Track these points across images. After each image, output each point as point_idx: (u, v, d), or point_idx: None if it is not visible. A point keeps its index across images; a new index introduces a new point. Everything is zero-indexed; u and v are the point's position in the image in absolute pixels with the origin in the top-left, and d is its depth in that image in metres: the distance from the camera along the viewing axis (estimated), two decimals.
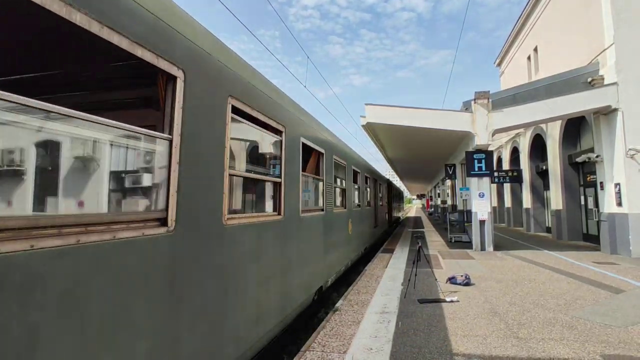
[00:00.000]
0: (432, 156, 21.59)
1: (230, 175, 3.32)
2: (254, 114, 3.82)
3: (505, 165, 24.08)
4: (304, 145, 5.53)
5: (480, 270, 9.22)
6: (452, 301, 6.41)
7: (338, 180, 8.34)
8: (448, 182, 26.49)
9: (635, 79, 11.30)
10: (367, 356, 4.16)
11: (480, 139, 12.56)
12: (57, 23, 1.76)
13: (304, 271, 5.46)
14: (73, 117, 1.80)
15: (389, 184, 22.50)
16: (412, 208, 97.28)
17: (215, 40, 3.27)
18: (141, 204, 2.54)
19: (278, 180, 4.57)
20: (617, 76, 11.53)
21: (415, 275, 7.82)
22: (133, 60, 2.22)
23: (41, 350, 1.62)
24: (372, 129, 14.61)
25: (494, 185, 23.52)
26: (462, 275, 7.82)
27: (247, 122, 3.74)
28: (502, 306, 6.10)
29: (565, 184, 15.78)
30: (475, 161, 12.95)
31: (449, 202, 27.43)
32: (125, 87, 3.35)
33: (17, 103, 1.54)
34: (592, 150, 12.83)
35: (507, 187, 24.68)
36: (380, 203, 17.00)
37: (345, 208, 8.69)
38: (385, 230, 20.05)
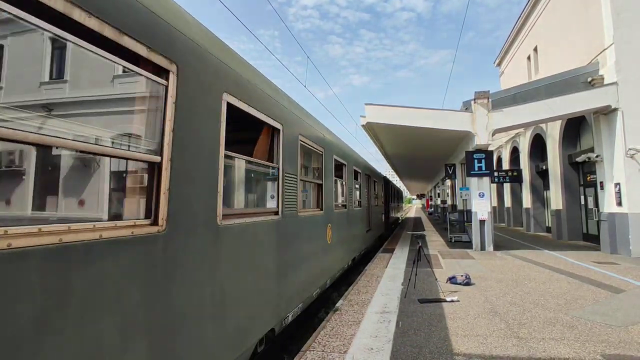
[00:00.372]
0: (432, 156, 21.59)
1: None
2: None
3: (505, 165, 24.08)
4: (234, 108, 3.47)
5: (481, 270, 9.22)
6: (452, 301, 6.41)
7: (309, 172, 6.46)
8: (448, 182, 26.50)
9: (635, 79, 11.30)
10: (368, 356, 4.15)
11: (480, 139, 12.56)
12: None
13: (235, 313, 3.27)
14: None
15: (386, 181, 20.39)
16: (412, 208, 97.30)
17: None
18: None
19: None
20: (617, 76, 11.53)
21: (416, 275, 7.82)
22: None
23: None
24: (372, 129, 14.60)
25: (494, 185, 23.53)
26: (462, 275, 7.82)
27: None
28: (503, 306, 6.10)
29: (565, 183, 15.78)
30: (475, 161, 12.95)
31: (449, 201, 27.42)
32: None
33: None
34: (592, 150, 12.83)
35: (507, 187, 24.68)
36: (375, 203, 14.89)
37: (321, 210, 6.50)
38: (382, 234, 17.51)
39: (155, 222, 2.36)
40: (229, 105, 3.33)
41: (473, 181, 13.18)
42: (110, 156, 2.19)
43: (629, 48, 11.47)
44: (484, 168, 12.91)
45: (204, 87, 2.90)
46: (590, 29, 13.18)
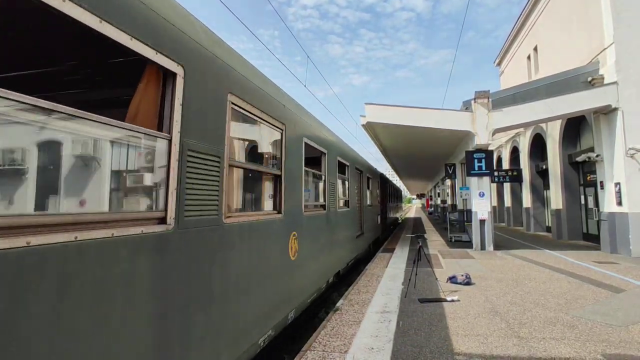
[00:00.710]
0: (432, 156, 21.58)
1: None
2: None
3: (505, 165, 24.08)
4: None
5: (481, 270, 9.22)
6: (452, 300, 6.41)
7: (256, 155, 4.45)
8: (448, 182, 26.49)
9: (636, 79, 11.30)
10: (368, 355, 4.15)
11: (480, 139, 12.55)
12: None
13: None
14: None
15: (383, 179, 18.54)
16: (412, 208, 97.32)
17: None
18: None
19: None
20: (617, 75, 11.53)
21: (416, 274, 7.82)
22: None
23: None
24: (372, 129, 14.59)
25: (494, 185, 23.52)
26: (462, 275, 7.82)
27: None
28: (503, 305, 6.10)
29: (565, 183, 15.78)
30: (475, 160, 12.95)
31: (449, 201, 27.42)
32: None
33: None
34: (592, 149, 12.83)
35: (507, 186, 24.69)
36: (369, 203, 12.94)
37: (278, 212, 4.49)
38: (377, 237, 15.45)
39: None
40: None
41: (473, 181, 13.18)
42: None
43: (629, 48, 11.47)
44: (484, 168, 12.91)
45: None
46: (590, 28, 13.17)
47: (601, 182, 12.26)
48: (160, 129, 2.44)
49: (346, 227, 8.69)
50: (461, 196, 17.27)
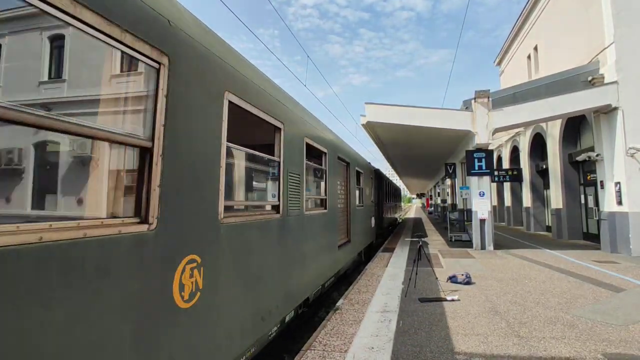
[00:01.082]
0: (432, 155, 21.58)
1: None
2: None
3: (505, 164, 24.08)
4: None
5: (481, 269, 9.22)
6: (452, 300, 6.41)
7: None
8: (448, 181, 26.49)
9: (636, 78, 11.29)
10: (369, 355, 4.15)
11: (481, 138, 12.55)
12: None
13: None
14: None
15: (379, 175, 16.30)
16: (412, 207, 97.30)
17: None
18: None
19: None
20: (617, 75, 11.52)
21: (416, 274, 7.82)
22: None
23: None
24: (372, 128, 14.59)
25: (494, 184, 23.53)
26: (462, 274, 7.82)
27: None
28: (503, 305, 6.10)
29: (566, 182, 15.78)
30: (476, 160, 12.95)
31: (449, 201, 27.42)
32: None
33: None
34: (592, 149, 12.83)
35: (507, 186, 24.69)
36: (359, 203, 10.61)
37: (144, 223, 2.27)
38: (371, 242, 13.28)
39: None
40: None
41: (473, 180, 13.18)
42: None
43: (630, 47, 11.46)
44: (484, 167, 12.91)
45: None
46: (591, 28, 13.16)
47: (601, 182, 12.25)
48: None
49: (321, 235, 6.33)
50: (461, 196, 17.27)
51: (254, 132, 5.07)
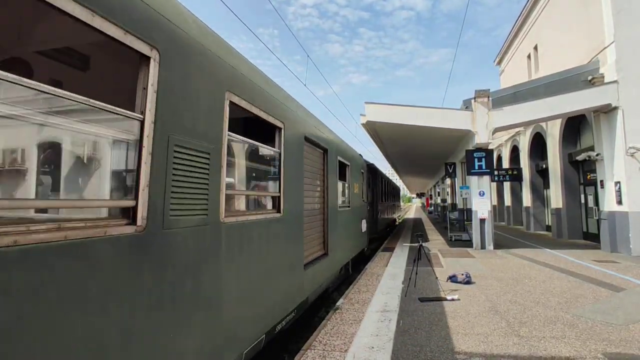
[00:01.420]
0: (432, 155, 21.58)
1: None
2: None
3: (505, 164, 24.08)
4: None
5: (481, 269, 9.22)
6: (452, 299, 6.41)
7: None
8: (448, 181, 26.50)
9: (636, 78, 11.29)
10: (369, 354, 4.15)
11: (481, 138, 12.55)
12: None
13: None
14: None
15: (372, 170, 14.45)
16: (412, 207, 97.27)
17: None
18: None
19: None
20: (617, 74, 11.52)
21: (416, 273, 7.82)
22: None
23: None
24: (372, 128, 14.58)
25: (494, 184, 23.52)
26: (462, 274, 7.82)
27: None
28: (503, 304, 6.09)
29: (565, 182, 15.78)
30: (476, 160, 12.95)
31: (449, 200, 27.43)
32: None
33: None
34: (592, 148, 12.82)
35: (507, 185, 24.69)
36: (344, 203, 8.62)
37: None
38: (362, 250, 11.37)
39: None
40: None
41: (473, 180, 13.18)
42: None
43: (630, 46, 11.45)
44: (484, 167, 12.91)
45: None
46: (591, 27, 13.16)
47: (601, 181, 12.25)
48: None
49: (267, 252, 4.10)
50: (461, 195, 17.27)
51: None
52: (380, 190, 16.71)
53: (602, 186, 12.18)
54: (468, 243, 14.35)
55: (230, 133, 3.30)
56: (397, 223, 30.19)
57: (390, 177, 27.61)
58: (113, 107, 1.99)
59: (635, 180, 11.10)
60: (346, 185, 8.91)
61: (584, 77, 12.69)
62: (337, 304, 6.31)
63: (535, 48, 19.70)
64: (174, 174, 2.46)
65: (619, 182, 11.41)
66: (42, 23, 2.33)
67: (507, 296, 6.61)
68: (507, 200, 24.88)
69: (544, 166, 18.57)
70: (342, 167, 8.52)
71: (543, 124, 16.95)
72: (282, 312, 4.44)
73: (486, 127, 12.50)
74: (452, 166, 19.70)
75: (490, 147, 13.11)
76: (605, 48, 12.14)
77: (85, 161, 2.34)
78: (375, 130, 15.32)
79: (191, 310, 2.62)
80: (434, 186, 45.55)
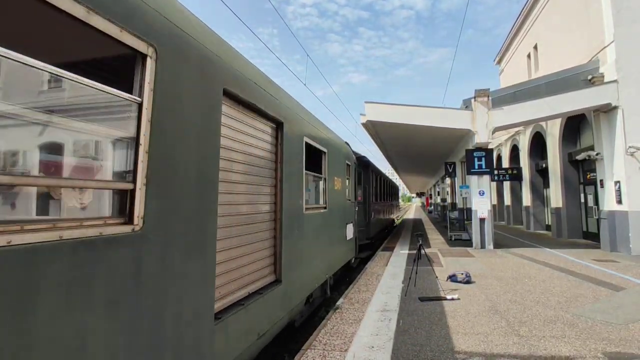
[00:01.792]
0: (431, 154, 21.58)
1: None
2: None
3: (505, 163, 24.09)
4: None
5: (481, 268, 9.23)
6: (452, 299, 6.41)
7: None
8: (448, 180, 26.51)
9: (636, 77, 11.29)
10: (369, 354, 4.15)
11: (480, 137, 12.55)
12: None
13: None
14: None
15: (366, 166, 12.87)
16: (412, 207, 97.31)
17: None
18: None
19: None
20: (617, 74, 11.52)
21: (416, 273, 7.82)
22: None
23: None
24: (372, 127, 14.59)
25: (494, 184, 23.53)
26: (462, 273, 7.82)
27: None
28: (503, 304, 6.10)
29: (565, 181, 15.78)
30: (475, 159, 12.96)
31: (449, 200, 27.45)
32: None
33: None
34: (592, 148, 12.83)
35: (506, 185, 24.70)
36: (319, 203, 6.56)
37: None
38: (349, 261, 9.27)
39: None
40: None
41: (473, 179, 13.18)
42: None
43: (630, 46, 11.45)
44: (484, 166, 12.92)
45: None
46: (591, 26, 13.15)
47: (601, 181, 12.26)
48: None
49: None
50: (461, 195, 17.28)
51: None
52: (374, 189, 14.99)
53: (602, 185, 12.19)
54: (468, 242, 14.35)
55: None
56: (395, 224, 28.83)
57: (390, 176, 27.38)
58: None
59: (635, 179, 11.10)
60: (321, 179, 6.58)
61: (584, 77, 12.69)
62: (337, 303, 6.31)
63: (535, 47, 19.70)
64: None
65: (618, 182, 11.42)
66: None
67: (507, 295, 6.61)
68: (507, 200, 24.89)
69: (543, 166, 18.58)
70: (316, 154, 6.48)
71: (543, 124, 16.95)
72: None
73: (486, 127, 12.50)
74: (452, 165, 19.71)
75: (490, 146, 13.12)
76: (605, 47, 12.14)
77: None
78: (375, 130, 15.33)
79: None
80: (434, 186, 45.58)
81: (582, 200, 15.40)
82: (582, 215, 15.51)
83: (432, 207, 47.93)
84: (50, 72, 1.70)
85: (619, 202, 11.38)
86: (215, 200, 2.99)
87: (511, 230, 20.70)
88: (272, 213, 4.31)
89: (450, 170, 19.92)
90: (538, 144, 19.21)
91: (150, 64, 2.26)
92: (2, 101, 1.71)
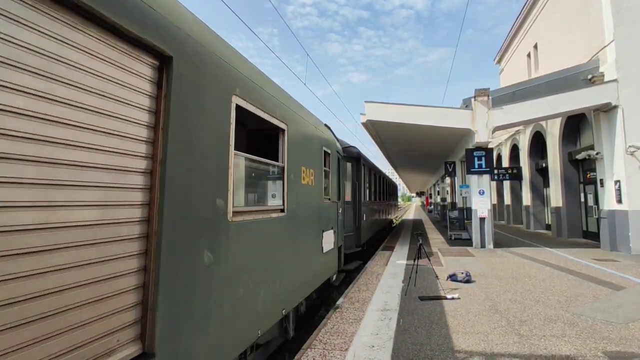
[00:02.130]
0: (431, 154, 21.59)
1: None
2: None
3: (505, 163, 24.10)
4: None
5: (481, 268, 9.23)
6: (452, 298, 6.41)
7: None
8: (448, 180, 26.52)
9: (636, 77, 11.29)
10: (369, 353, 4.15)
11: (480, 137, 12.55)
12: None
13: None
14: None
15: (357, 159, 10.99)
16: (412, 206, 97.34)
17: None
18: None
19: None
20: (617, 73, 11.52)
21: (416, 272, 7.82)
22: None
23: None
24: (371, 127, 14.59)
25: (494, 183, 23.54)
26: (462, 273, 7.82)
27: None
28: (503, 303, 6.10)
29: (565, 181, 15.79)
30: (475, 159, 12.96)
31: (449, 199, 27.45)
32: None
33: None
34: (592, 147, 12.83)
35: (506, 184, 24.71)
36: (274, 206, 4.35)
37: None
38: (328, 279, 6.99)
39: None
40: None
41: (473, 179, 13.18)
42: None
43: (630, 45, 11.45)
44: (483, 166, 12.92)
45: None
46: (591, 26, 13.15)
47: (601, 180, 12.26)
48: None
49: None
50: (461, 194, 17.28)
51: None
52: (368, 186, 13.25)
53: (602, 185, 12.19)
54: (468, 242, 14.36)
55: None
56: (393, 225, 26.94)
57: (390, 176, 27.29)
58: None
59: (635, 179, 11.10)
60: (275, 168, 4.51)
61: (584, 76, 12.69)
62: (337, 303, 6.31)
63: (535, 47, 19.70)
64: None
65: (618, 181, 11.42)
66: None
67: (507, 295, 6.62)
68: (507, 199, 24.90)
69: (543, 165, 18.58)
70: (266, 133, 5.11)
71: (543, 123, 16.95)
72: None
73: (486, 126, 12.50)
74: (452, 165, 19.71)
75: (490, 146, 13.12)
76: (605, 47, 12.14)
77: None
78: (375, 130, 15.32)
79: None
80: (434, 185, 45.59)
81: (582, 199, 15.41)
82: (582, 214, 15.51)
83: (432, 206, 47.93)
84: None
85: (619, 201, 11.38)
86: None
87: (511, 229, 20.71)
88: (138, 224, 2.21)
89: (450, 170, 19.92)
90: (538, 143, 19.22)
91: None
92: None
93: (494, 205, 20.51)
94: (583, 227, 15.51)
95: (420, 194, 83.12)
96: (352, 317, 5.50)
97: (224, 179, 3.04)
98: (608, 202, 11.89)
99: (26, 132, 1.57)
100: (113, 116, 2.02)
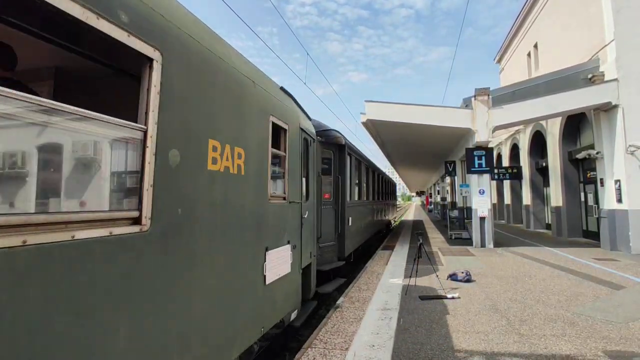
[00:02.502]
0: (431, 153, 21.59)
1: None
2: None
3: (505, 162, 24.09)
4: None
5: (481, 267, 9.23)
6: (453, 298, 6.42)
7: None
8: (448, 179, 26.52)
9: (636, 76, 11.28)
10: (369, 353, 4.16)
11: (480, 136, 12.55)
12: None
13: None
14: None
15: (340, 148, 8.64)
16: (412, 205, 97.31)
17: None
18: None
19: None
20: (617, 73, 11.51)
21: (416, 272, 7.83)
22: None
23: None
24: (372, 126, 14.59)
25: (494, 183, 23.54)
26: (462, 272, 7.83)
27: None
28: (503, 302, 6.10)
29: (565, 180, 15.78)
30: (475, 158, 12.96)
31: (449, 199, 27.45)
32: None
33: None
34: (592, 146, 12.83)
35: (506, 184, 24.70)
36: (121, 214, 2.22)
37: None
38: (278, 320, 4.32)
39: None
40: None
41: (473, 178, 13.18)
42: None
43: (630, 45, 11.44)
44: (484, 165, 12.92)
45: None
46: (591, 25, 13.14)
47: (601, 179, 12.26)
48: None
49: None
50: (461, 194, 17.28)
51: None
52: (358, 183, 11.14)
53: (602, 184, 12.19)
54: (468, 241, 14.35)
55: None
56: (391, 227, 25.01)
57: (390, 176, 27.23)
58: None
59: (635, 178, 11.10)
60: (126, 132, 2.16)
61: (584, 75, 12.68)
62: (338, 302, 6.32)
63: (535, 46, 19.68)
64: None
65: (618, 181, 11.42)
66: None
67: (508, 294, 6.62)
68: (507, 199, 24.90)
69: (543, 164, 18.58)
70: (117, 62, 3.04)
71: (543, 122, 16.94)
72: None
73: (486, 126, 12.50)
74: (452, 164, 19.71)
75: (490, 145, 13.11)
76: (605, 46, 12.13)
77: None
78: (376, 129, 15.32)
79: None
80: (434, 185, 45.58)
81: (582, 199, 15.41)
82: (582, 214, 15.51)
83: (432, 206, 47.93)
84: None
85: (619, 200, 11.38)
86: None
87: (511, 229, 20.71)
88: None
89: (450, 169, 19.92)
90: (538, 142, 19.21)
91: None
92: None
93: (494, 205, 20.50)
94: (583, 227, 15.51)
95: (420, 193, 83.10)
96: (352, 316, 5.51)
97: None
98: (608, 201, 11.89)
99: None
100: None
